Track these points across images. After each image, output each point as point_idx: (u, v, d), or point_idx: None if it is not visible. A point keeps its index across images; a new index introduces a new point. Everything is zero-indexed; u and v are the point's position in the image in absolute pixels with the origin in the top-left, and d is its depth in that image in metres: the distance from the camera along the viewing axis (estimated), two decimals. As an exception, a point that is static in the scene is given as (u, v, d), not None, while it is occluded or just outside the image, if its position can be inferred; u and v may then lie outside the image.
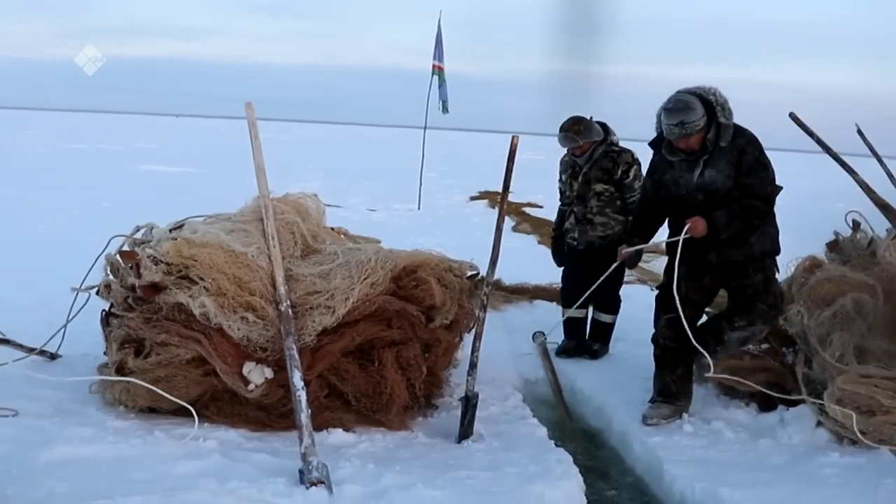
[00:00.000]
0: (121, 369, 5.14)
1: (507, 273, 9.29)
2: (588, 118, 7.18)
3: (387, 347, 5.22)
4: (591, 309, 7.48)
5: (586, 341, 7.43)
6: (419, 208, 17.91)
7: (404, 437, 5.17)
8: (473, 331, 5.45)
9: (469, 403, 5.22)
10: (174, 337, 5.04)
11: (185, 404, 4.90)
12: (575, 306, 7.12)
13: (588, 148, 7.17)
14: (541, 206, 19.05)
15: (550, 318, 8.44)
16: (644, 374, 6.13)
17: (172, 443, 4.72)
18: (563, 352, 7.39)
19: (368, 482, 4.39)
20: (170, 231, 5.40)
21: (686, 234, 5.43)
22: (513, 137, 5.29)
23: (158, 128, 63.57)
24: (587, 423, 6.36)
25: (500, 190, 5.43)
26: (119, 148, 36.05)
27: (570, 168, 7.38)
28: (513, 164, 5.24)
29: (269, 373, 5.01)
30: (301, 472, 4.32)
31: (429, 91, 17.71)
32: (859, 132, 7.21)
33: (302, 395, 4.64)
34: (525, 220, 16.77)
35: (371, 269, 5.19)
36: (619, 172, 7.13)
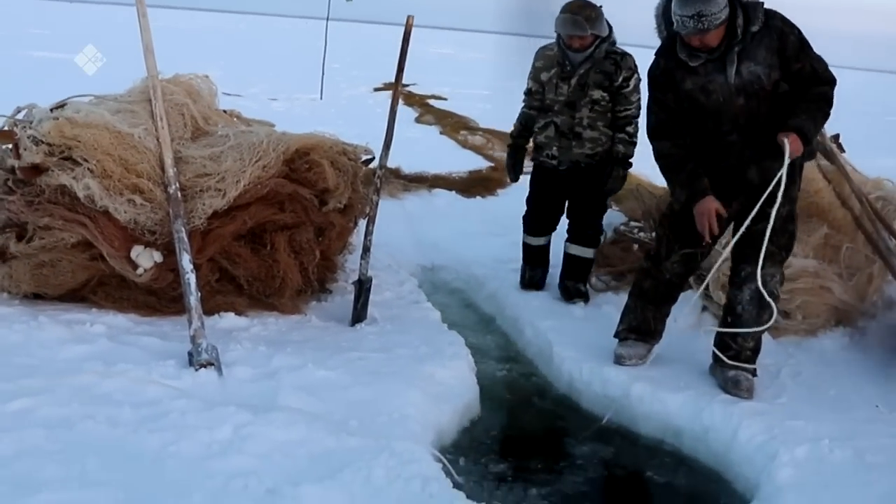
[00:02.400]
0: (2, 255, 4.97)
1: (408, 162, 9.29)
2: (599, 6, 5.85)
3: (279, 231, 5.15)
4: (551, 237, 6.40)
5: (569, 283, 6.16)
6: (321, 98, 17.62)
7: (297, 321, 5.16)
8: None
9: (362, 287, 5.23)
10: (58, 220, 4.86)
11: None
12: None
13: (590, 43, 5.80)
14: (445, 99, 18.98)
15: (449, 207, 8.52)
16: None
17: (58, 328, 4.60)
18: (531, 285, 6.31)
19: (259, 363, 4.39)
20: (51, 111, 5.18)
21: (789, 158, 4.28)
22: (408, 17, 5.20)
23: (51, 14, 60.70)
24: (480, 310, 6.46)
25: (404, 82, 5.33)
26: (8, 33, 34.35)
27: (557, 65, 5.95)
28: (408, 44, 5.16)
29: (157, 256, 4.91)
30: (190, 354, 4.29)
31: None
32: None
33: (191, 278, 4.57)
34: (428, 112, 16.68)
35: (263, 152, 5.07)
36: (621, 79, 5.82)
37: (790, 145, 4.27)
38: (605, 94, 5.85)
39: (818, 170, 6.04)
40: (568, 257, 6.18)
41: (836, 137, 6.50)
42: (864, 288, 5.71)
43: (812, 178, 5.94)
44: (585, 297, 6.09)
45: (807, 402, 4.56)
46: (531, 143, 6.30)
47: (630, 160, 5.96)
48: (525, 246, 6.39)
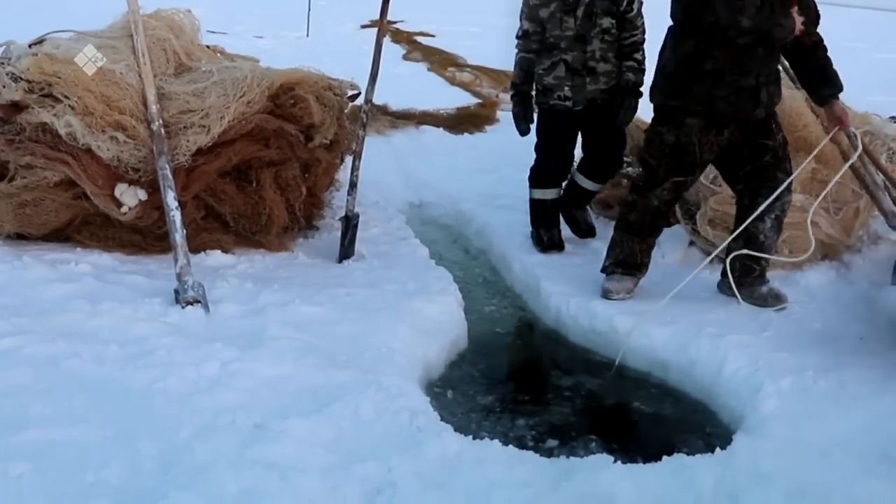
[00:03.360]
0: (-16, 193, 4.93)
1: (395, 99, 9.20)
2: None
3: (265, 168, 5.10)
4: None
5: (577, 213, 5.99)
6: (308, 36, 17.37)
7: (284, 258, 5.16)
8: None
9: (349, 223, 5.21)
10: (39, 159, 4.81)
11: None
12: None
13: None
14: (433, 36, 18.74)
15: (437, 144, 8.45)
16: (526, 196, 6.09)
17: (42, 268, 4.59)
18: (554, 246, 5.78)
19: (246, 300, 4.40)
20: (30, 47, 5.10)
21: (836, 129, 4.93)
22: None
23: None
24: (468, 245, 6.44)
25: (391, 19, 5.23)
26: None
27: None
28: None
29: (142, 194, 4.87)
30: (176, 291, 4.29)
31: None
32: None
33: (176, 216, 4.55)
34: (416, 49, 16.47)
35: (247, 87, 5.01)
36: (625, 2, 5.42)
37: (841, 115, 4.80)
38: (613, 22, 5.45)
39: (806, 104, 6.00)
40: (574, 186, 5.95)
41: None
42: (851, 222, 5.70)
43: (800, 112, 5.89)
44: (594, 231, 6.04)
45: (792, 334, 4.57)
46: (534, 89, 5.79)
47: (640, 89, 5.56)
48: (537, 204, 5.85)
